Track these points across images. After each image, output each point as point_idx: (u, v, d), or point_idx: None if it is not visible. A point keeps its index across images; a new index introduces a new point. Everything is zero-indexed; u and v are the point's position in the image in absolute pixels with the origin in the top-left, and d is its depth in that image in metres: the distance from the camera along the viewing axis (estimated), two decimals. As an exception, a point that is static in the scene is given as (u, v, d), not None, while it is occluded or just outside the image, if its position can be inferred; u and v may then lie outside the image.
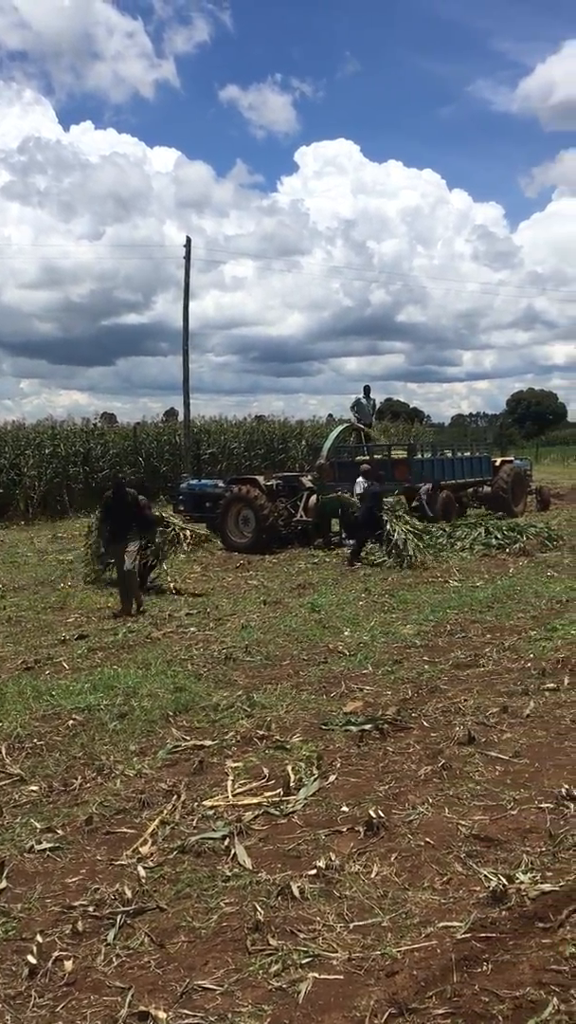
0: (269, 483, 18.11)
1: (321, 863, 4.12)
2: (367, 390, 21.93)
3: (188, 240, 30.02)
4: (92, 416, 35.34)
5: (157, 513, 14.77)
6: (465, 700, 6.76)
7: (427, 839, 4.39)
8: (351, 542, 17.25)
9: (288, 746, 5.91)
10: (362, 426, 21.20)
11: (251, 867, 4.21)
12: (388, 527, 15.05)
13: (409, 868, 4.12)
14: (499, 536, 15.91)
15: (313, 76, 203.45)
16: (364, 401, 21.72)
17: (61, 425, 33.42)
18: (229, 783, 5.27)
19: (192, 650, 8.93)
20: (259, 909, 3.75)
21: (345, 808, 4.83)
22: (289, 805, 4.93)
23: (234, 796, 5.09)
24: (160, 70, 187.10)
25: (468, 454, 21.71)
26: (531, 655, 8.07)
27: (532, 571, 13.29)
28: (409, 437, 42.70)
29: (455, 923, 3.57)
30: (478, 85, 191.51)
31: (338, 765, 5.52)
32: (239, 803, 4.99)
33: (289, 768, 5.43)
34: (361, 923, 3.65)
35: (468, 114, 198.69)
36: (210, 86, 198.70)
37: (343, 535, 18.54)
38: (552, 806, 4.69)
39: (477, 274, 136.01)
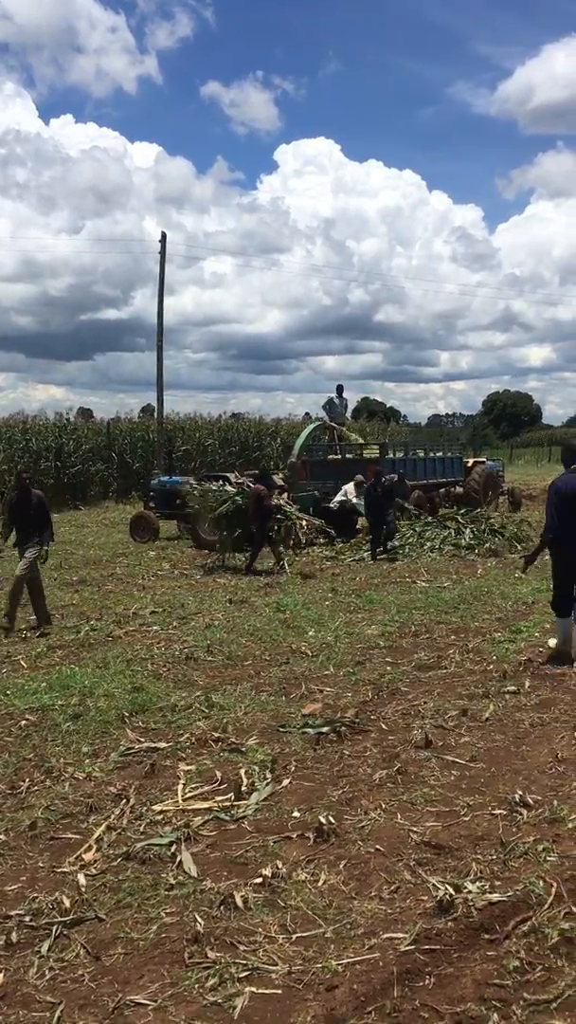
0: (240, 480, 17.98)
1: (267, 871, 4.01)
2: (340, 389, 21.87)
3: (163, 235, 29.83)
4: (65, 411, 34.93)
5: (275, 502, 14.90)
6: (425, 703, 6.68)
7: (377, 846, 4.30)
8: (322, 540, 17.23)
9: (243, 749, 5.80)
10: (335, 425, 21.13)
11: (196, 875, 4.10)
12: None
13: (357, 876, 4.03)
14: (469, 536, 15.88)
15: (295, 74, 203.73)
16: (337, 400, 21.66)
17: (34, 420, 33.13)
18: (180, 787, 5.15)
19: (153, 649, 8.81)
20: (199, 920, 3.64)
21: (297, 813, 4.74)
22: (240, 810, 4.82)
23: (184, 801, 4.98)
24: (142, 65, 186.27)
25: (440, 454, 21.71)
26: (494, 657, 8.01)
27: (500, 572, 13.28)
28: (384, 436, 42.78)
29: (400, 934, 3.48)
30: (458, 87, 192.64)
31: (292, 769, 5.43)
32: (189, 808, 4.88)
33: (242, 772, 5.32)
34: (304, 934, 3.55)
35: (448, 116, 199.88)
36: (192, 82, 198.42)
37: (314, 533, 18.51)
38: (505, 812, 4.61)
39: (455, 275, 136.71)
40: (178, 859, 4.26)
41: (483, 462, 22.99)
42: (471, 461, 22.55)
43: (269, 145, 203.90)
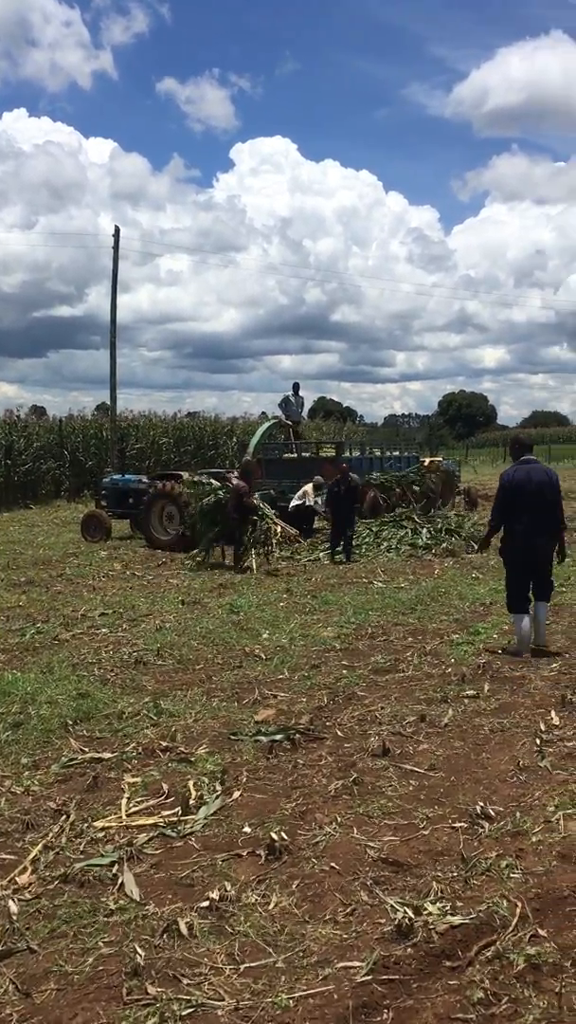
0: (194, 479, 17.68)
1: (215, 893, 3.75)
2: (296, 387, 21.67)
3: (117, 230, 29.35)
4: (16, 408, 34.19)
5: (255, 502, 14.61)
6: (382, 708, 6.47)
7: (332, 863, 4.06)
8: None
9: (192, 759, 5.53)
10: (290, 423, 20.90)
11: (138, 898, 3.82)
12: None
13: (311, 897, 3.78)
14: (426, 536, 15.75)
15: (252, 72, 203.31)
16: (293, 399, 21.43)
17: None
18: (124, 801, 4.86)
19: (101, 653, 8.48)
20: (140, 951, 3.36)
21: (247, 829, 4.48)
22: (187, 826, 4.55)
23: (128, 816, 4.69)
24: (97, 60, 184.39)
25: (397, 453, 21.59)
26: (452, 659, 7.84)
27: (457, 572, 13.15)
28: (341, 436, 42.68)
29: (356, 963, 3.24)
30: (413, 89, 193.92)
31: (244, 780, 5.16)
32: (133, 824, 4.59)
33: (191, 784, 5.05)
34: (253, 964, 3.29)
35: (404, 117, 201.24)
36: (147, 78, 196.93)
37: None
38: (466, 825, 4.40)
39: (411, 276, 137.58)
40: (119, 881, 3.97)
41: (439, 461, 22.94)
42: (428, 460, 22.47)
43: (225, 143, 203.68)
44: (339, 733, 5.97)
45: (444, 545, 15.22)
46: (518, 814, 4.45)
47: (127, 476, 20.53)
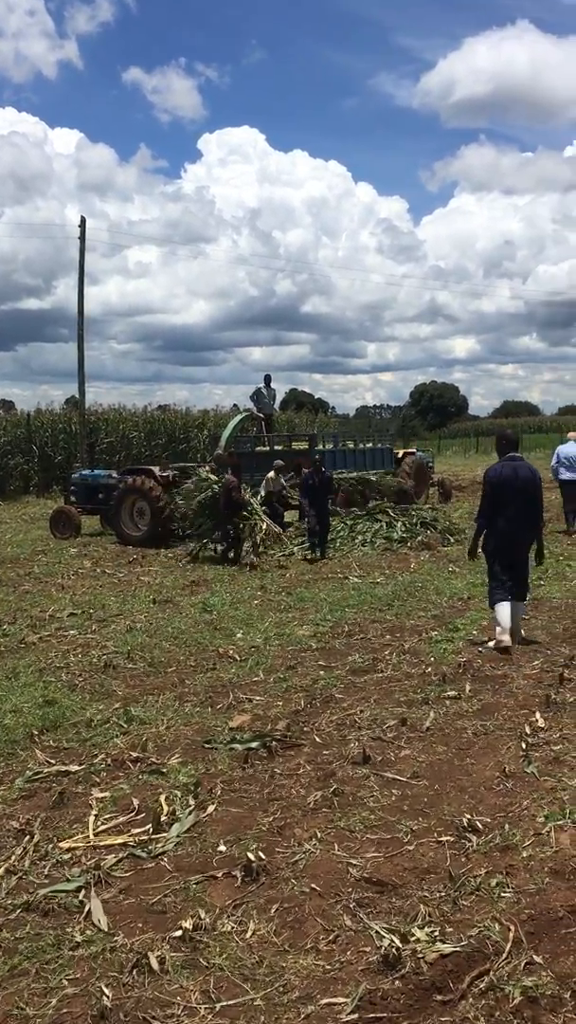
0: (165, 474, 17.38)
1: (188, 922, 3.50)
2: (268, 379, 21.37)
3: (83, 220, 28.88)
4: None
5: (247, 497, 14.58)
6: (361, 711, 6.25)
7: (313, 884, 3.83)
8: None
9: (164, 770, 5.28)
10: (262, 416, 20.62)
11: (107, 928, 3.57)
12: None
13: (291, 923, 3.55)
14: (401, 530, 15.55)
15: (218, 62, 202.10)
16: (264, 391, 21.13)
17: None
18: (92, 819, 4.60)
19: (69, 656, 8.19)
20: (107, 991, 3.11)
21: (223, 847, 4.24)
22: (159, 845, 4.30)
23: (96, 835, 4.43)
24: (62, 49, 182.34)
25: (370, 445, 21.40)
26: (432, 658, 7.64)
27: (433, 566, 12.98)
28: (313, 428, 42.45)
29: (340, 998, 3.02)
30: (380, 79, 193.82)
31: (219, 792, 4.92)
32: (101, 844, 4.34)
33: (163, 798, 4.80)
34: (230, 1002, 3.06)
35: (371, 107, 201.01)
36: (113, 68, 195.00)
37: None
38: (452, 839, 4.19)
39: (381, 267, 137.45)
40: (86, 908, 3.72)
41: (413, 453, 22.79)
42: (401, 452, 22.31)
43: (193, 133, 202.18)
44: (317, 739, 5.75)
45: (419, 538, 15.04)
46: (506, 826, 4.25)
47: (96, 471, 20.16)
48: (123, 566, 14.68)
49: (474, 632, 8.52)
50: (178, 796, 4.83)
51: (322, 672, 7.40)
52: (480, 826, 4.26)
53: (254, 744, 5.62)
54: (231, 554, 14.37)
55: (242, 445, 19.93)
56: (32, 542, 18.34)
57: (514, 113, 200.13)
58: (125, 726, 6.16)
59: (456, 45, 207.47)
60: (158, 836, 4.37)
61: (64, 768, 5.35)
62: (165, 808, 4.67)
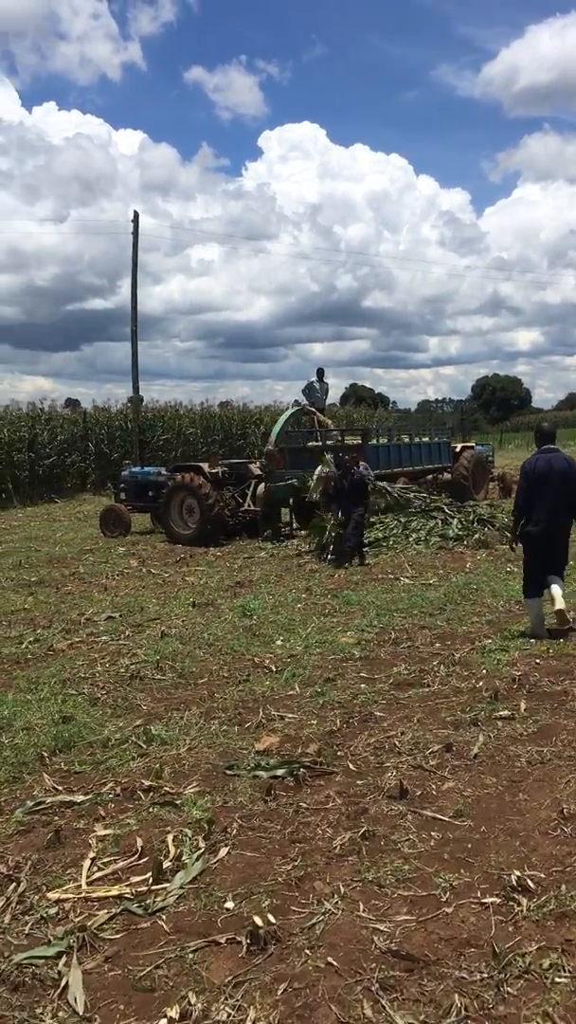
0: (215, 471, 16.91)
1: (174, 1011, 2.94)
2: (320, 373, 20.71)
3: (135, 214, 28.60)
4: (39, 401, 33.51)
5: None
6: (402, 733, 5.63)
7: (330, 958, 3.24)
8: (303, 532, 16.11)
9: (179, 801, 4.74)
10: (314, 410, 19.99)
11: (82, 1010, 3.03)
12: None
13: (299, 1011, 2.97)
14: (456, 527, 14.78)
15: (279, 58, 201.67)
16: (317, 385, 20.48)
17: (6, 410, 31.83)
18: (88, 863, 4.08)
19: (96, 666, 7.72)
20: None
21: (230, 904, 3.67)
22: (158, 898, 3.75)
23: (89, 884, 3.91)
24: (126, 51, 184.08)
25: (427, 440, 20.62)
26: (484, 671, 6.97)
27: (491, 566, 12.24)
28: (371, 422, 41.67)
29: None
30: (442, 70, 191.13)
31: (234, 831, 4.36)
32: (94, 895, 3.81)
33: (170, 838, 4.26)
34: None
35: (433, 99, 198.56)
36: (175, 67, 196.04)
37: (294, 525, 17.44)
38: (499, 901, 3.56)
39: (443, 260, 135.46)
40: (64, 982, 3.19)
41: (472, 447, 21.92)
42: (459, 446, 21.46)
43: (254, 130, 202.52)
44: (351, 766, 5.15)
45: (476, 536, 14.24)
46: (563, 887, 3.60)
47: (146, 468, 19.82)
48: (169, 566, 14.25)
49: (531, 641, 7.81)
50: (188, 836, 4.29)
51: (363, 685, 6.79)
52: (532, 885, 3.62)
53: (280, 771, 5.06)
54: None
55: (293, 440, 19.34)
56: (82, 541, 18.08)
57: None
58: (144, 747, 5.65)
59: (518, 33, 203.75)
60: (159, 887, 3.83)
61: (69, 798, 4.84)
62: (172, 851, 4.13)
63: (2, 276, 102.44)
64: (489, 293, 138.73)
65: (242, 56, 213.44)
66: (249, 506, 17.21)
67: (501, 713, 5.87)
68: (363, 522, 13.68)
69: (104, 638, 8.84)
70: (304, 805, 4.64)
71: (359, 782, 4.91)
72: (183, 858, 4.07)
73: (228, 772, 5.14)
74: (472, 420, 69.00)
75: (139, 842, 4.23)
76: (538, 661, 7.11)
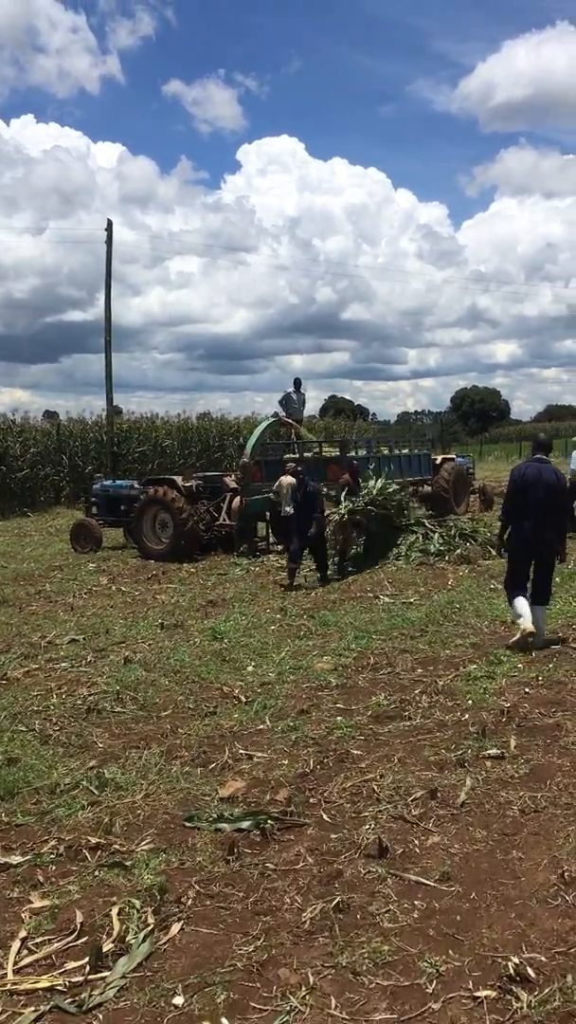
0: (188, 484, 16.35)
1: None
2: (298, 383, 20.23)
3: (109, 223, 28.04)
4: (10, 413, 32.83)
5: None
6: (382, 776, 5.10)
7: (295, 1074, 2.71)
8: (279, 548, 15.58)
9: (129, 862, 4.19)
10: (291, 421, 19.49)
11: None
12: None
13: None
14: (438, 542, 14.28)
15: (257, 72, 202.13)
16: (294, 395, 19.99)
17: (-25, 424, 31.07)
18: (16, 944, 3.52)
19: (52, 697, 7.14)
20: None
21: (179, 999, 3.12)
22: (96, 991, 3.20)
23: (16, 972, 3.35)
24: (104, 64, 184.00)
25: (407, 451, 20.17)
26: (470, 701, 6.47)
27: (474, 583, 11.76)
28: (351, 434, 41.26)
29: None
30: (418, 84, 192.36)
31: (190, 900, 3.81)
32: (21, 986, 3.26)
33: (115, 912, 3.70)
34: None
35: (410, 113, 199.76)
36: (154, 81, 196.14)
37: (270, 540, 16.92)
38: (494, 994, 3.04)
39: (422, 272, 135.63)
40: None
41: (452, 459, 21.49)
42: (440, 458, 21.01)
43: (233, 144, 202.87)
44: (325, 817, 4.62)
45: (458, 551, 13.77)
46: (569, 976, 3.08)
47: (118, 482, 19.22)
48: (141, 583, 13.68)
49: (519, 666, 7.33)
50: (136, 908, 3.73)
51: (340, 718, 6.27)
52: (532, 973, 3.11)
53: (245, 824, 4.52)
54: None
55: (270, 453, 18.83)
56: (51, 556, 17.45)
57: (554, 115, 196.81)
58: (96, 793, 5.09)
59: (494, 48, 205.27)
60: (97, 977, 3.28)
61: (4, 859, 4.28)
62: (116, 927, 3.58)
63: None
64: (467, 306, 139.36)
65: (220, 70, 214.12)
66: (224, 520, 16.66)
67: (489, 752, 5.36)
68: (323, 537, 12.87)
69: (64, 665, 8.25)
70: (271, 866, 4.10)
71: (333, 836, 4.38)
72: (128, 938, 3.51)
73: (187, 824, 4.60)
74: (451, 432, 68.83)
75: (79, 917, 3.67)
76: (527, 690, 6.61)
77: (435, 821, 4.47)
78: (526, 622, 7.79)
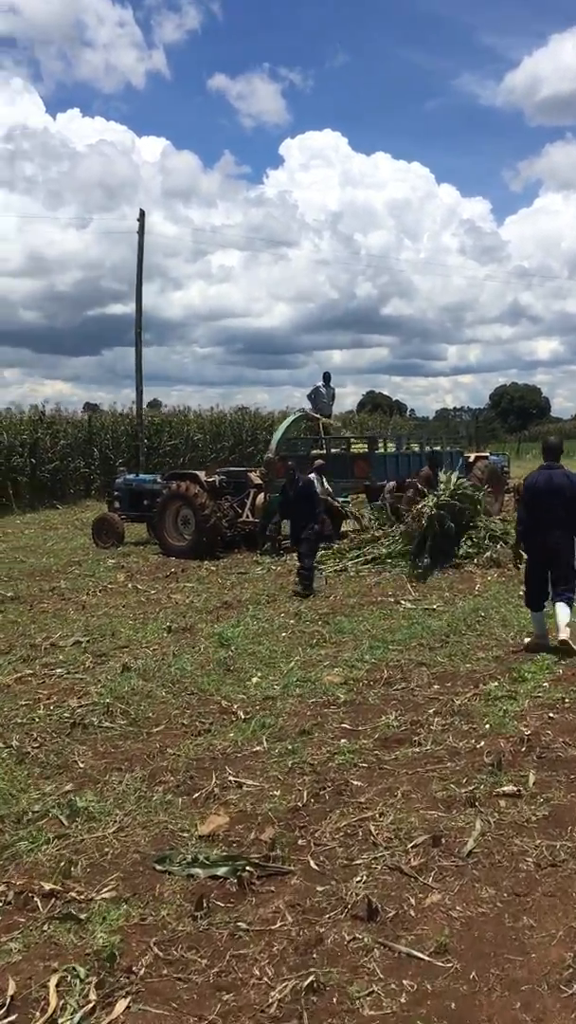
0: (211, 479, 15.87)
1: None
2: (327, 377, 19.65)
3: (142, 213, 27.65)
4: (40, 404, 32.59)
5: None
6: (381, 814, 4.55)
7: None
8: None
9: (84, 914, 3.68)
10: (319, 416, 18.92)
11: None
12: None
13: None
14: (467, 544, 13.64)
15: (302, 66, 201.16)
16: (323, 390, 19.41)
17: (6, 412, 30.90)
18: None
19: (39, 708, 6.67)
20: None
21: None
22: None
23: None
24: (150, 59, 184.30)
25: (438, 448, 19.50)
26: (487, 725, 5.88)
27: (502, 588, 11.13)
28: (387, 430, 40.57)
29: None
30: (464, 79, 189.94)
31: (143, 970, 3.29)
32: None
33: (53, 983, 3.20)
34: None
35: (454, 108, 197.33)
36: (199, 75, 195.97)
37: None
38: None
39: (463, 268, 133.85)
40: None
41: (486, 457, 20.78)
42: (472, 456, 20.31)
43: (277, 138, 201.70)
44: (312, 864, 4.08)
45: (488, 554, 13.12)
46: None
47: (141, 476, 18.80)
48: (158, 581, 13.23)
49: (544, 685, 6.74)
50: (80, 978, 3.22)
51: (343, 741, 5.73)
52: None
53: (221, 870, 4.00)
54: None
55: (296, 448, 18.29)
56: (72, 551, 17.09)
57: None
58: (65, 824, 4.60)
59: (541, 42, 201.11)
60: (18, 1069, 2.78)
61: (-55, 907, 3.80)
62: (53, 1003, 3.08)
63: (25, 281, 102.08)
64: (509, 302, 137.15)
65: (265, 64, 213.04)
66: (248, 517, 16.16)
67: (504, 789, 4.79)
68: (315, 542, 11.76)
69: (59, 671, 7.78)
70: (244, 925, 3.58)
71: (319, 889, 3.84)
72: (64, 1014, 3.01)
73: (157, 868, 4.09)
74: (490, 429, 67.74)
75: (12, 987, 3.17)
76: (551, 715, 6.01)
77: (436, 874, 3.91)
78: (544, 639, 7.79)
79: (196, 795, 4.95)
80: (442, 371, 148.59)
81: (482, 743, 5.54)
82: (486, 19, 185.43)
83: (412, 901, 3.69)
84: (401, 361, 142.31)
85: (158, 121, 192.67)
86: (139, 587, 12.75)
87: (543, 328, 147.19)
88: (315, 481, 15.22)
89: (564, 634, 7.54)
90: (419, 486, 13.38)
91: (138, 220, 28.00)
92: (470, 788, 4.82)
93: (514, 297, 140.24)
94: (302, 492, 11.83)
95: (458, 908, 3.62)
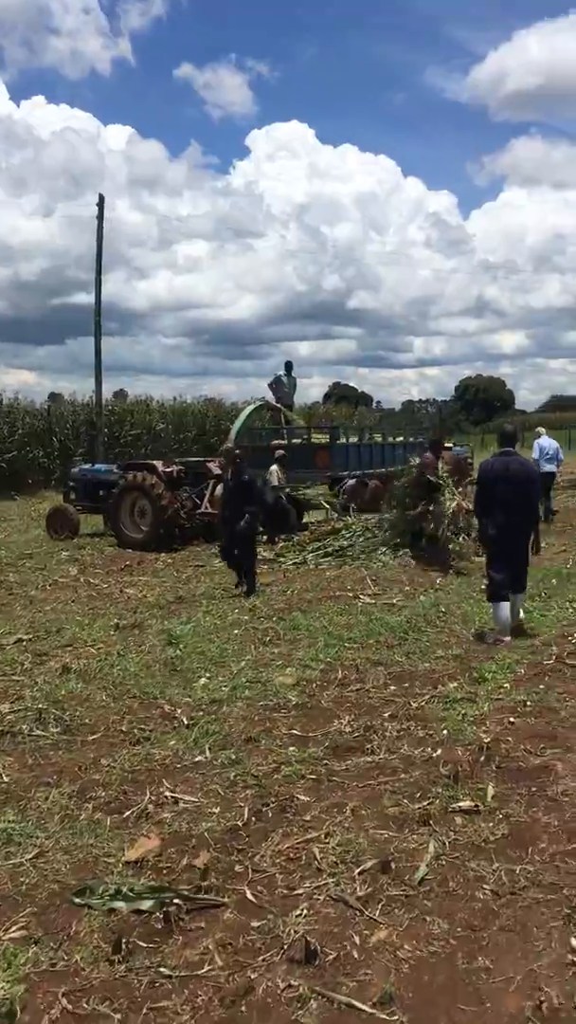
0: (169, 469, 15.44)
1: None
2: (289, 367, 19.29)
3: (101, 198, 27.12)
4: (5, 393, 31.83)
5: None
6: (327, 835, 4.17)
7: None
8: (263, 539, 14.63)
9: (-13, 959, 3.26)
10: (280, 406, 18.52)
11: None
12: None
13: None
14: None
15: (269, 57, 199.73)
16: (285, 379, 19.04)
17: (-38, 402, 30.12)
18: None
19: (-34, 715, 6.22)
20: None
21: None
22: None
23: None
24: (116, 47, 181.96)
25: (400, 439, 19.18)
26: (444, 731, 5.53)
27: (464, 582, 10.86)
28: (351, 421, 40.29)
29: None
30: (430, 72, 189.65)
31: (46, 1027, 2.88)
32: None
33: None
34: None
35: (421, 101, 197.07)
36: (165, 64, 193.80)
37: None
38: None
39: (429, 261, 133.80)
40: None
41: (449, 448, 20.49)
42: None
43: (244, 128, 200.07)
44: (249, 894, 3.68)
45: (449, 547, 12.81)
46: None
47: (97, 466, 18.30)
48: (112, 574, 12.81)
49: (505, 686, 6.41)
50: (-31, 1040, 2.81)
51: (292, 749, 5.34)
52: None
53: (146, 904, 3.59)
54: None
55: (257, 439, 17.88)
56: (25, 543, 16.56)
57: (565, 106, 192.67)
58: (-21, 850, 4.16)
59: (507, 37, 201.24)
60: None
61: None
62: None
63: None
64: (474, 295, 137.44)
65: (232, 54, 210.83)
66: (206, 508, 15.74)
67: (461, 804, 4.42)
68: (252, 536, 11.17)
69: (-7, 674, 7.32)
70: (166, 970, 3.17)
71: (254, 925, 3.44)
72: None
73: (76, 902, 3.67)
74: (454, 421, 67.77)
75: None
76: (512, 719, 5.66)
77: (384, 906, 3.53)
78: (506, 636, 7.81)
79: (128, 813, 4.53)
80: (408, 363, 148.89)
81: (438, 751, 5.17)
82: (452, 12, 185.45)
83: (356, 939, 3.31)
84: (367, 353, 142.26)
85: (124, 109, 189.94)
86: (91, 581, 12.32)
87: (508, 321, 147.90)
88: (275, 472, 14.88)
89: (515, 620, 8.06)
90: (425, 473, 12.99)
91: (97, 205, 27.36)
92: (424, 803, 4.45)
93: (479, 290, 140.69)
94: (241, 483, 11.15)
95: (406, 947, 3.25)
